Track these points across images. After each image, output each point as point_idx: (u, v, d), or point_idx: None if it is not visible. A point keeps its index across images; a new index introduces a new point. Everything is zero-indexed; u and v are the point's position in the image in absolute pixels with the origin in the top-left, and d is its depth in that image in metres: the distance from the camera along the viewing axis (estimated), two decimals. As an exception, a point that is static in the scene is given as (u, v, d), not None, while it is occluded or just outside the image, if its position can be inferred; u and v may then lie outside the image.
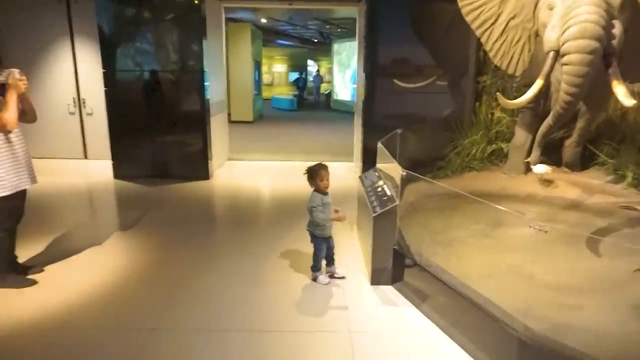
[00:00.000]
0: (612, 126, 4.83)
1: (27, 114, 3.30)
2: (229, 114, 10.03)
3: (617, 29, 3.29)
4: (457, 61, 6.12)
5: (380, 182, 3.84)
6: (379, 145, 4.35)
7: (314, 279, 3.53)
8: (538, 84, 3.60)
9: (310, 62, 25.22)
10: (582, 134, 4.60)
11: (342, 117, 14.45)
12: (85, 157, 7.74)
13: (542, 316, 2.53)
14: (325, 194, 3.40)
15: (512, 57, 4.16)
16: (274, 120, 14.90)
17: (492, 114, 5.49)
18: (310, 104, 20.86)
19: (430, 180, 3.80)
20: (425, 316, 3.06)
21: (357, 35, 7.43)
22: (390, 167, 3.88)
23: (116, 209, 5.63)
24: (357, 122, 7.22)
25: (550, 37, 3.49)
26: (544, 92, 4.21)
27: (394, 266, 3.43)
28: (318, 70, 24.01)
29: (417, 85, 6.29)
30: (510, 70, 4.24)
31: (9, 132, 3.09)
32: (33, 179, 3.36)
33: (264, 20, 15.40)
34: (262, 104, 16.36)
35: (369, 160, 5.94)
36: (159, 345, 2.74)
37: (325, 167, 3.38)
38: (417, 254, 3.31)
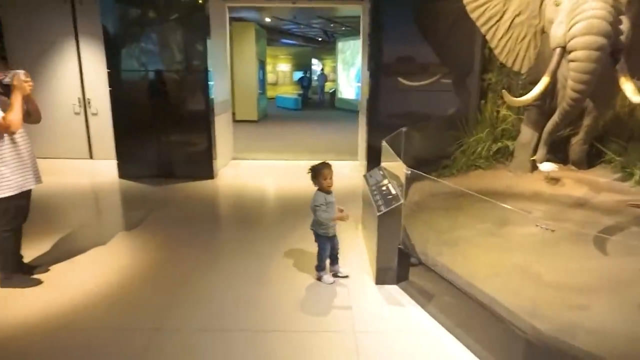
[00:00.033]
0: (620, 123, 4.77)
1: (31, 115, 3.31)
2: (234, 114, 10.05)
3: (625, 24, 3.25)
4: (462, 59, 6.08)
5: (385, 181, 3.83)
6: (384, 143, 4.33)
7: (319, 279, 3.52)
8: (544, 81, 3.57)
9: (314, 60, 25.18)
10: (589, 131, 4.54)
11: (346, 115, 14.43)
12: (91, 157, 7.77)
13: (549, 316, 2.50)
14: (329, 193, 3.38)
15: (517, 54, 4.12)
16: (279, 120, 14.90)
17: (498, 111, 5.45)
18: (315, 103, 20.84)
19: (435, 178, 3.78)
20: (430, 316, 3.04)
21: (361, 34, 7.40)
22: (395, 166, 3.86)
23: (121, 209, 5.64)
24: (362, 120, 7.20)
25: (556, 34, 3.45)
26: (550, 89, 4.16)
27: (399, 265, 3.41)
28: (322, 69, 23.96)
29: (422, 83, 6.27)
30: (516, 68, 4.20)
31: (13, 133, 3.10)
32: (38, 179, 3.37)
33: (268, 20, 15.41)
34: (267, 103, 16.36)
35: (373, 159, 5.91)
36: (163, 345, 2.73)
37: (328, 166, 3.37)
38: (423, 253, 3.28)
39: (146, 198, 5.80)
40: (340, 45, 17.85)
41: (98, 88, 7.30)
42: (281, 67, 24.17)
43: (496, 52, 4.26)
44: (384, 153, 4.40)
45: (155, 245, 4.21)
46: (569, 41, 3.32)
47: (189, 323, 2.96)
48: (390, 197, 3.49)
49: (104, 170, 6.95)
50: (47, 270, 3.61)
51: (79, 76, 7.46)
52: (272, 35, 18.59)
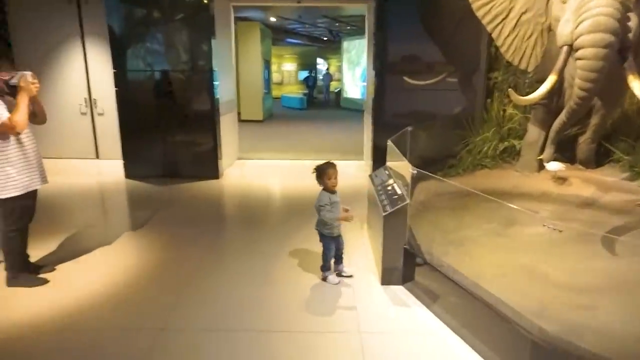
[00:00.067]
0: (628, 122, 4.72)
1: (37, 116, 3.33)
2: (239, 113, 10.05)
3: (633, 21, 3.21)
4: (468, 57, 6.05)
5: (391, 181, 3.81)
6: (389, 143, 4.32)
7: (324, 279, 3.51)
8: (551, 79, 3.54)
9: (319, 60, 25.18)
10: (596, 130, 4.50)
11: (352, 115, 14.40)
12: (97, 157, 7.80)
13: (556, 317, 2.48)
14: (334, 192, 3.37)
15: (524, 53, 4.09)
16: (284, 119, 14.90)
17: (504, 110, 5.41)
18: (320, 102, 20.83)
19: (441, 178, 3.75)
20: (436, 316, 3.02)
21: (366, 33, 7.38)
22: (400, 166, 3.84)
23: (127, 209, 5.66)
24: (367, 120, 7.18)
25: (563, 31, 3.42)
26: (557, 87, 4.12)
27: (405, 266, 3.39)
28: (328, 69, 23.96)
29: (428, 82, 6.24)
30: (523, 66, 4.17)
31: (19, 134, 3.12)
32: (44, 179, 3.39)
33: (273, 19, 15.42)
34: (272, 102, 16.38)
35: (379, 158, 5.91)
36: (168, 345, 2.74)
37: (333, 166, 3.36)
38: (428, 254, 3.27)
39: (152, 198, 5.82)
40: (345, 44, 17.83)
41: (104, 88, 7.31)
42: (286, 67, 24.21)
43: (502, 50, 4.23)
44: (389, 152, 4.38)
45: (161, 245, 4.22)
46: (576, 39, 3.28)
47: (193, 323, 2.96)
48: (395, 197, 3.48)
49: (110, 170, 6.98)
50: (54, 269, 3.62)
51: (85, 76, 7.48)
52: (277, 34, 18.61)
